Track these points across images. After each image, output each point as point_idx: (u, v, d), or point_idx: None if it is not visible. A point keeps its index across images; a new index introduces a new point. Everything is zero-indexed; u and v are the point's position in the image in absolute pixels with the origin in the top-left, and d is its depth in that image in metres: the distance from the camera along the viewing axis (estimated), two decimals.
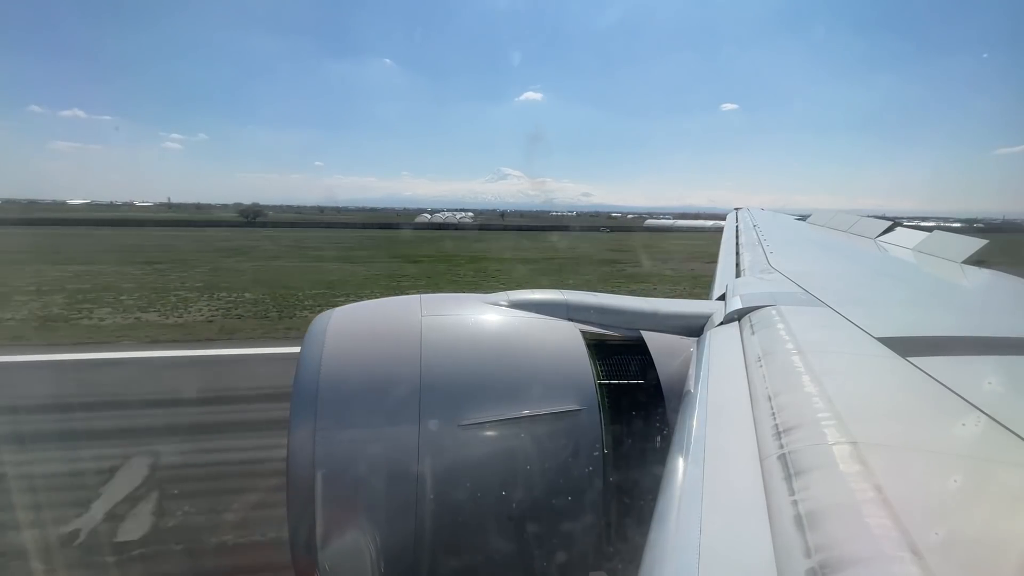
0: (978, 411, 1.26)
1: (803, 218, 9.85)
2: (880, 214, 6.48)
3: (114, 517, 5.94)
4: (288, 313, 16.88)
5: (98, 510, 6.04)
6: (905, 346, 1.72)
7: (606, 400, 1.99)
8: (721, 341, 2.14)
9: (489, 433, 1.81)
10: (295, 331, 14.14)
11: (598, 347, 2.21)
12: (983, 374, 1.66)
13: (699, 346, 2.22)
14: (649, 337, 2.28)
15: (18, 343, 12.97)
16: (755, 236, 6.40)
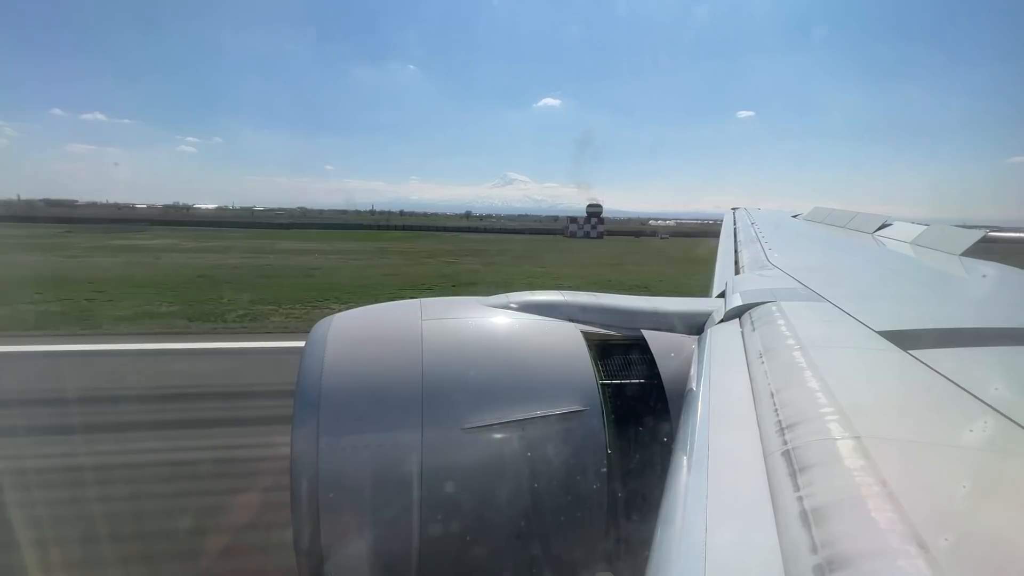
0: (981, 403, 1.26)
1: (794, 216, 9.85)
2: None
3: None
4: None
5: None
6: (906, 339, 1.72)
7: (608, 400, 1.99)
8: (722, 338, 2.14)
9: (492, 436, 1.80)
10: None
11: (599, 347, 2.20)
12: (985, 366, 1.66)
13: (700, 344, 2.22)
14: (650, 336, 2.27)
15: None
16: (753, 233, 6.41)
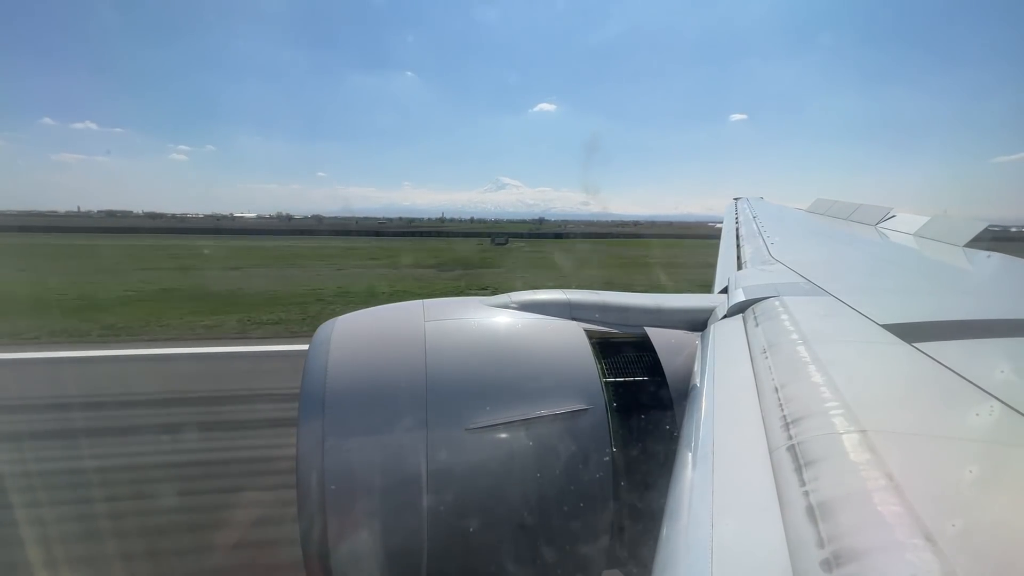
0: (987, 395, 1.26)
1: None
2: None
3: None
4: None
5: None
6: (911, 332, 1.71)
7: (612, 398, 1.99)
8: (725, 334, 2.13)
9: (496, 436, 1.81)
10: None
11: (602, 345, 2.20)
12: (990, 358, 1.65)
13: (703, 340, 2.22)
14: (653, 333, 2.27)
15: None
16: (755, 227, 6.38)
